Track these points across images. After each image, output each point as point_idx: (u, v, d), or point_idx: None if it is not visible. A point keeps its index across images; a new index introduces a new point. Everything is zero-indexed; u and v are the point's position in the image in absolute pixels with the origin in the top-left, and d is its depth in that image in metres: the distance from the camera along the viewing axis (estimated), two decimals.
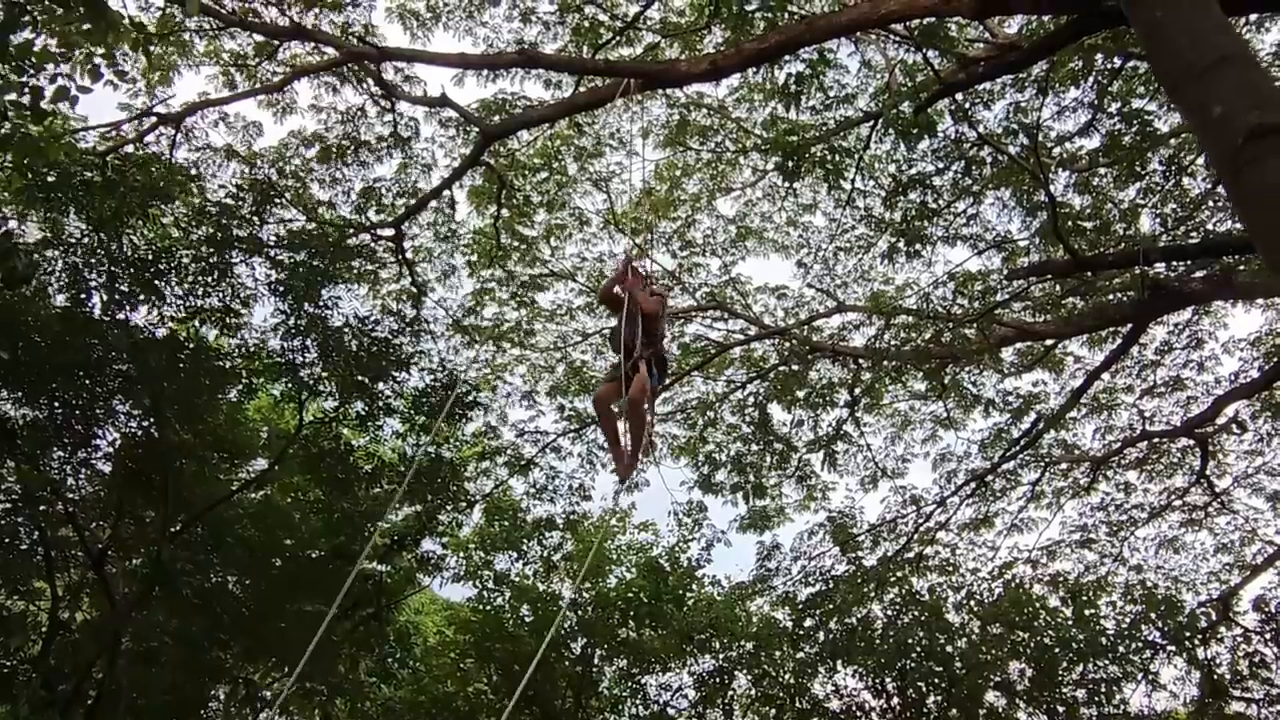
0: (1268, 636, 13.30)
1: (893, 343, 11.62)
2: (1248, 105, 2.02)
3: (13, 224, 9.66)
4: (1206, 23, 2.24)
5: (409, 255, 13.05)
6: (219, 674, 13.72)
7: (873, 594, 14.83)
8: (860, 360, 12.60)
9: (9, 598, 12.34)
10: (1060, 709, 14.29)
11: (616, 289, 6.99)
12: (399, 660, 15.09)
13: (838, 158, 10.79)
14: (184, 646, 12.04)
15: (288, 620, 12.65)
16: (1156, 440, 13.75)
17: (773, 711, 15.69)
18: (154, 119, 10.28)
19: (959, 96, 9.10)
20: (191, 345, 10.68)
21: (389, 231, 12.50)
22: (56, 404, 10.27)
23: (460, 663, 16.50)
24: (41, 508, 11.07)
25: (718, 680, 15.61)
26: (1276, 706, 13.19)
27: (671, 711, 15.95)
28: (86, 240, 9.91)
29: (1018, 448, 13.49)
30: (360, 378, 11.08)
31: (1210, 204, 10.50)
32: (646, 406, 6.46)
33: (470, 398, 12.16)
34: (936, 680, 14.57)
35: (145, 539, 12.04)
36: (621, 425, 6.61)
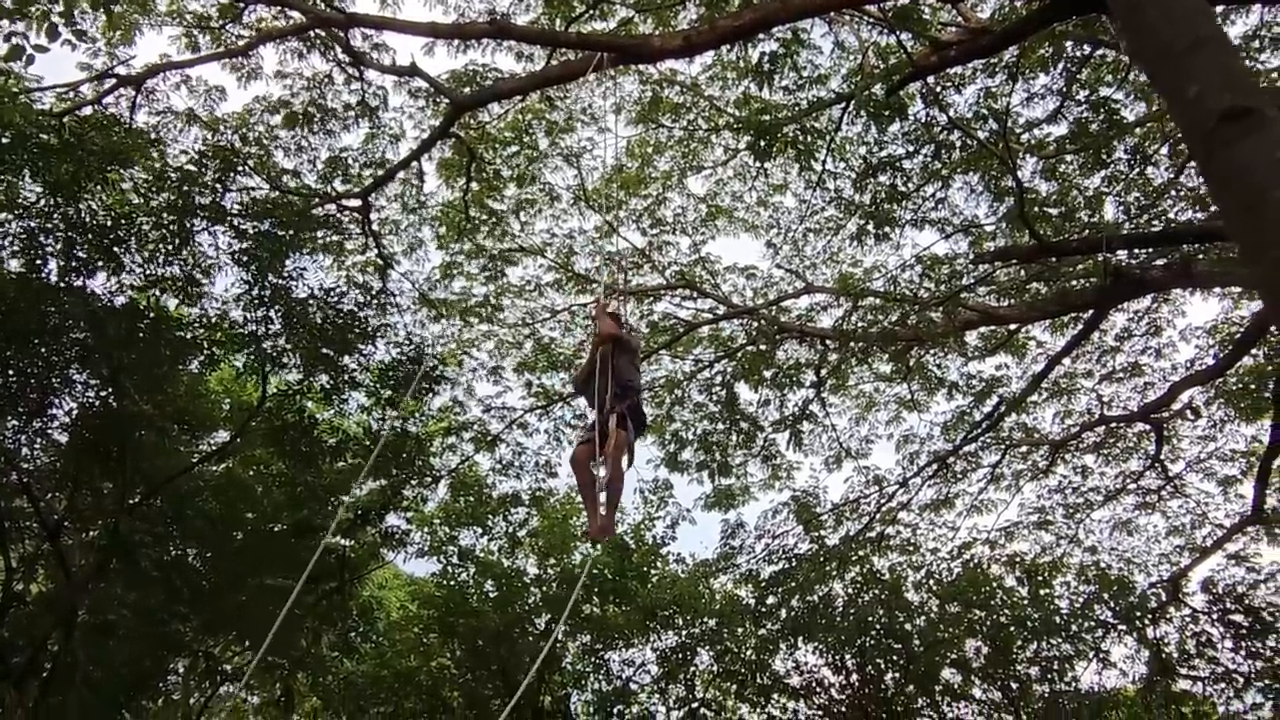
0: (1215, 617, 13.66)
1: (860, 324, 11.71)
2: (1222, 87, 2.05)
3: None
4: (1185, 5, 2.27)
5: (376, 227, 12.88)
6: (178, 647, 13.58)
7: (834, 572, 15.04)
8: (827, 341, 12.68)
9: None
10: (1014, 685, 14.63)
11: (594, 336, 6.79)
12: (362, 635, 15.03)
13: (809, 138, 10.82)
14: (142, 619, 11.88)
15: (249, 594, 12.54)
16: (1114, 425, 14.03)
17: (734, 687, 15.89)
18: (114, 80, 9.98)
19: (930, 80, 9.13)
20: (151, 315, 10.44)
21: (355, 202, 12.30)
22: (11, 372, 10.01)
23: (424, 637, 16.50)
24: None
25: (680, 656, 15.77)
26: (1221, 684, 13.57)
27: (634, 686, 16.10)
28: (42, 204, 9.64)
29: (979, 430, 13.71)
30: (325, 350, 10.93)
31: (1172, 193, 10.67)
32: (625, 465, 6.28)
33: (437, 372, 12.05)
34: (895, 657, 14.84)
35: (103, 511, 11.83)
36: (600, 473, 6.35)
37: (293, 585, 12.42)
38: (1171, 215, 10.71)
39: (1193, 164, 10.65)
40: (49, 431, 11.20)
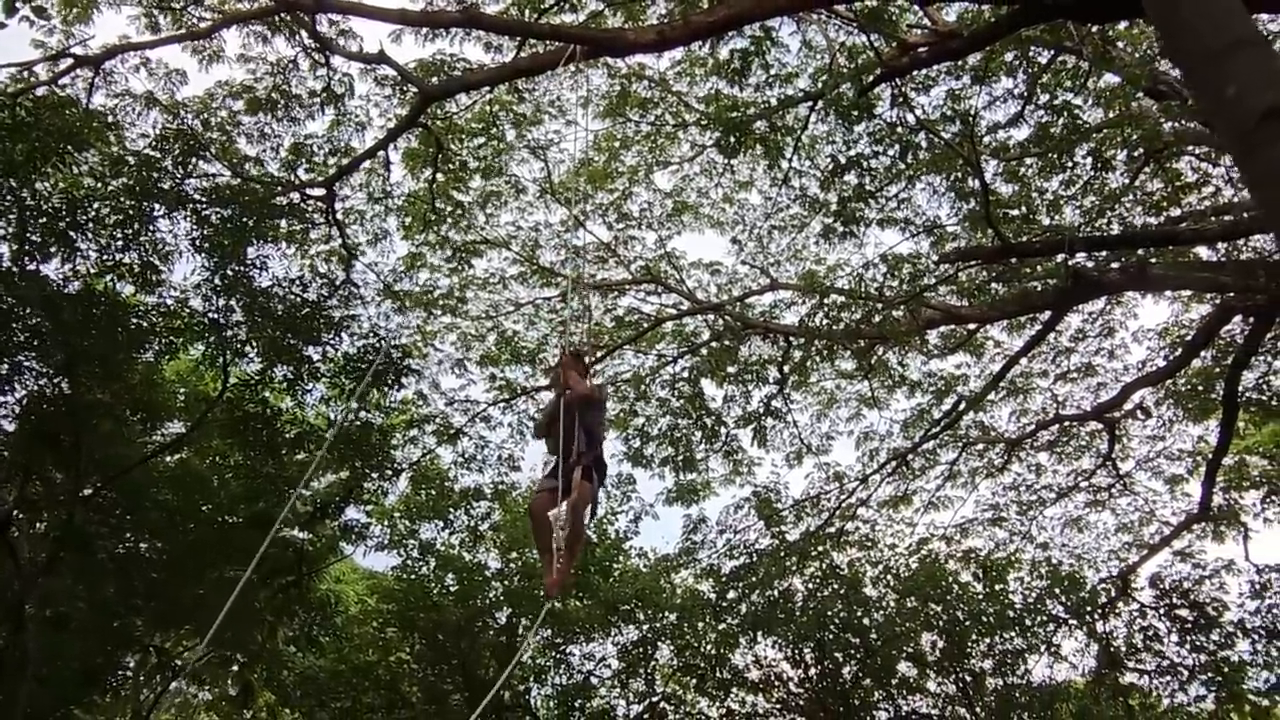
0: (1161, 612, 14.04)
1: (824, 322, 11.84)
2: (1263, 86, 2.11)
3: None
4: (1224, 7, 2.35)
5: (340, 217, 12.72)
6: (130, 642, 13.29)
7: (794, 568, 15.19)
8: (791, 338, 12.80)
9: None
10: (968, 678, 14.90)
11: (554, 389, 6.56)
12: (320, 629, 14.86)
13: (778, 135, 10.92)
14: (95, 613, 11.62)
15: (206, 587, 12.32)
16: (1068, 424, 14.36)
17: (694, 681, 15.97)
18: (70, 60, 9.72)
19: (897, 81, 9.27)
20: (107, 301, 10.20)
21: (319, 191, 12.14)
22: None
23: (383, 631, 16.35)
24: None
25: (641, 650, 15.81)
26: (1166, 677, 13.96)
27: (594, 681, 16.12)
28: None
29: (938, 428, 13.93)
30: (288, 340, 10.77)
31: (1129, 198, 10.95)
32: (588, 517, 6.13)
33: (403, 363, 11.93)
34: (853, 651, 15.03)
35: (55, 501, 11.54)
36: (559, 525, 6.16)
37: (251, 578, 12.27)
38: (1128, 219, 10.99)
39: (1147, 170, 10.97)
40: None
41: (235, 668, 15.76)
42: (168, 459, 13.00)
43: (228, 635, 13.92)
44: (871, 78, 8.14)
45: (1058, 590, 14.49)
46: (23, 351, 10.05)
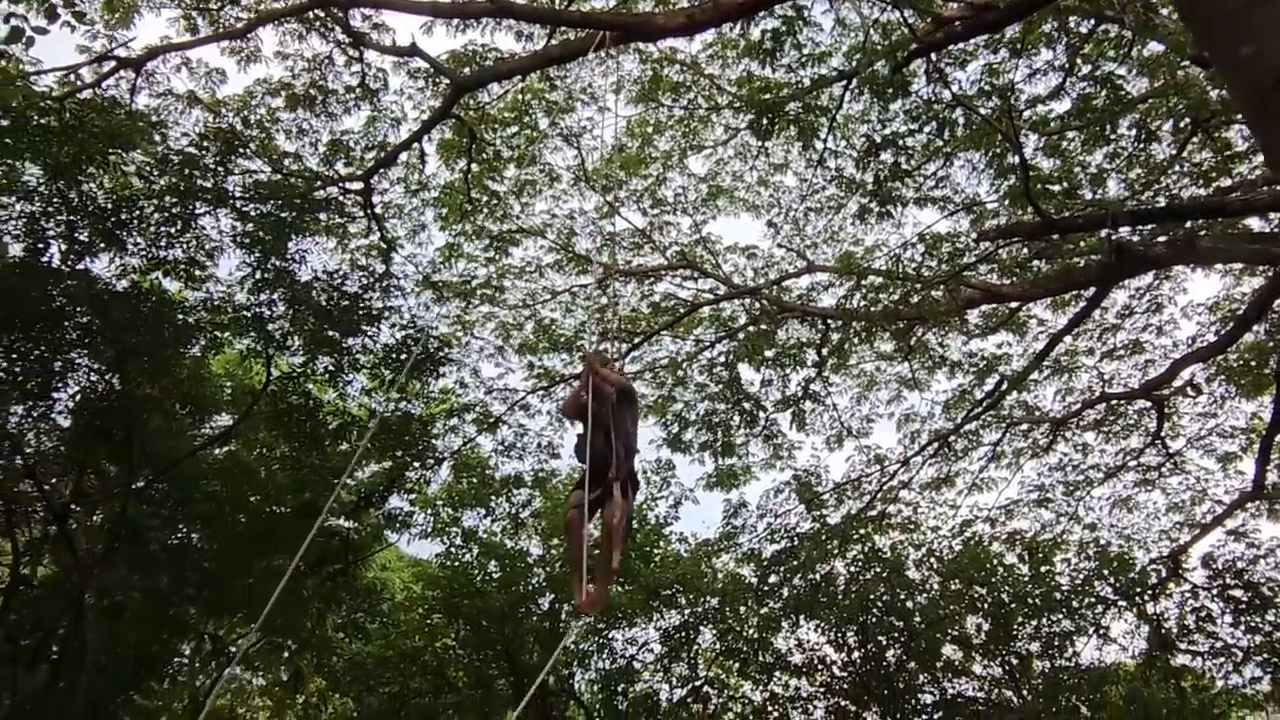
0: (1214, 592, 13.75)
1: (861, 303, 11.72)
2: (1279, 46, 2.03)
3: None
4: None
5: (378, 210, 12.87)
6: (185, 630, 13.65)
7: (836, 551, 15.10)
8: (829, 321, 12.70)
9: None
10: (1015, 661, 14.73)
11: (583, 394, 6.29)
12: (367, 616, 15.14)
13: (811, 116, 10.79)
14: (149, 602, 11.95)
15: (255, 576, 12.60)
16: (1115, 402, 14.07)
17: (736, 665, 15.98)
18: (113, 63, 9.94)
19: (933, 56, 9.10)
20: (154, 298, 10.44)
21: (357, 185, 12.29)
22: (15, 356, 10.01)
23: (428, 618, 16.60)
24: (0, 461, 10.86)
25: (683, 635, 15.85)
26: (1220, 659, 13.68)
27: (637, 665, 16.20)
28: (44, 188, 9.61)
29: (980, 409, 13.74)
30: (329, 332, 10.93)
31: (1176, 169, 10.66)
32: (623, 534, 5.92)
33: (440, 354, 12.05)
34: (896, 634, 14.92)
35: (109, 494, 11.87)
36: (596, 534, 6.02)
37: (299, 567, 12.52)
38: (1175, 191, 10.70)
39: (1195, 139, 10.66)
40: (54, 415, 11.22)
41: (286, 654, 16.12)
42: (216, 452, 13.29)
43: (279, 622, 14.25)
44: (906, 54, 8.01)
45: (1106, 571, 14.24)
46: (74, 349, 10.32)
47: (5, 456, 11.05)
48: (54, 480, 11.84)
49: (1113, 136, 9.94)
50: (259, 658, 17.48)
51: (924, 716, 15.13)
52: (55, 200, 9.55)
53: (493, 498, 15.63)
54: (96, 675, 10.92)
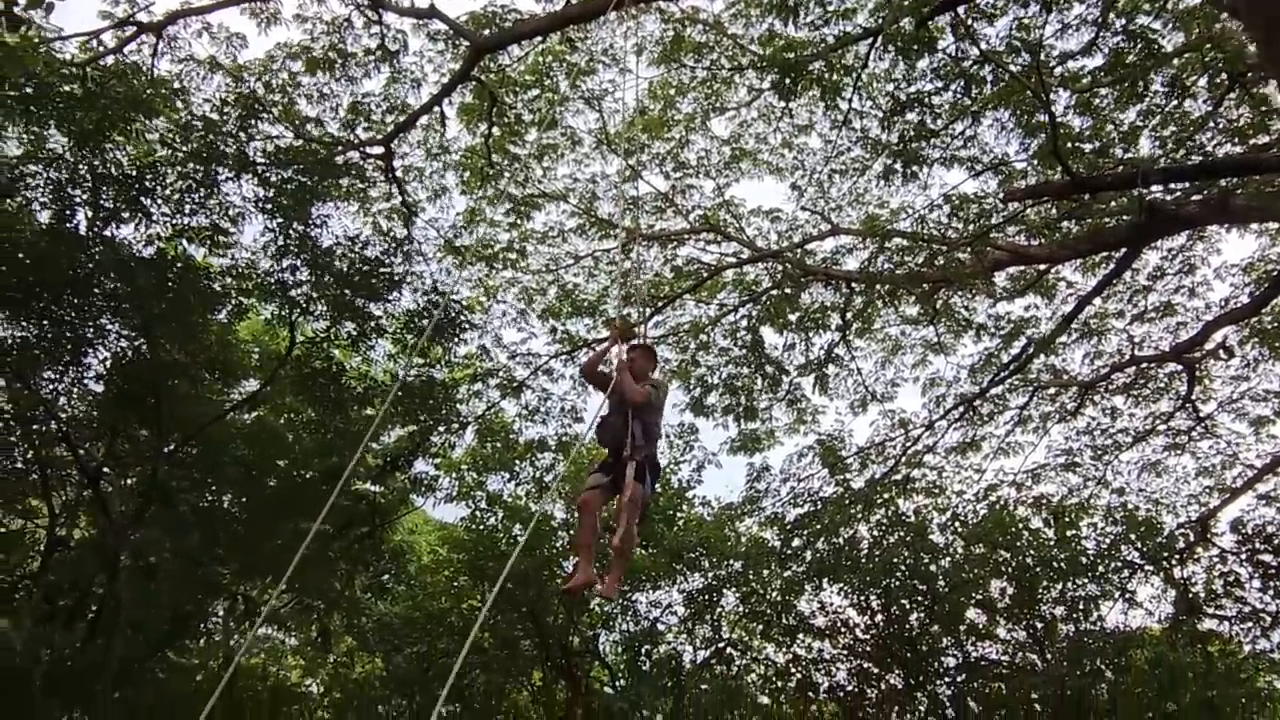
0: (1243, 557, 13.62)
1: (886, 266, 11.58)
2: None
3: None
4: None
5: (398, 174, 12.88)
6: (217, 590, 13.95)
7: (859, 515, 15.09)
8: (853, 284, 12.57)
9: (6, 515, 12.47)
10: (1039, 625, 14.71)
11: (602, 366, 6.26)
12: (394, 578, 15.38)
13: (836, 75, 10.60)
14: (182, 563, 12.21)
15: (284, 538, 12.81)
16: (1144, 365, 13.87)
17: (759, 627, 16.08)
18: (134, 28, 9.96)
19: (960, 11, 8.89)
20: (180, 264, 10.54)
21: (378, 149, 12.30)
22: (45, 322, 10.17)
23: (454, 580, 16.81)
24: (35, 426, 11.07)
25: (706, 597, 15.95)
26: (1248, 624, 13.58)
27: (661, 627, 16.36)
28: (68, 155, 9.68)
29: (1007, 372, 13.60)
30: (353, 297, 11.00)
31: (1211, 126, 10.38)
32: (637, 520, 5.80)
33: (462, 318, 12.10)
34: (920, 598, 14.94)
35: (140, 457, 12.10)
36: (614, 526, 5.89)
37: (326, 530, 12.73)
38: (1209, 149, 10.43)
39: (1231, 96, 10.36)
40: (85, 381, 11.42)
41: (316, 615, 16.44)
42: (244, 416, 13.47)
43: (308, 583, 14.52)
44: (931, 9, 7.82)
45: (1133, 536, 14.13)
46: (103, 315, 10.46)
47: (40, 421, 11.27)
48: (87, 444, 12.08)
49: (1146, 93, 9.66)
50: (291, 618, 17.84)
51: (946, 679, 15.19)
52: (80, 167, 9.62)
53: (517, 462, 15.72)
54: (132, 634, 11.20)
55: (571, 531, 15.91)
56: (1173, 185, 9.47)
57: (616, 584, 5.95)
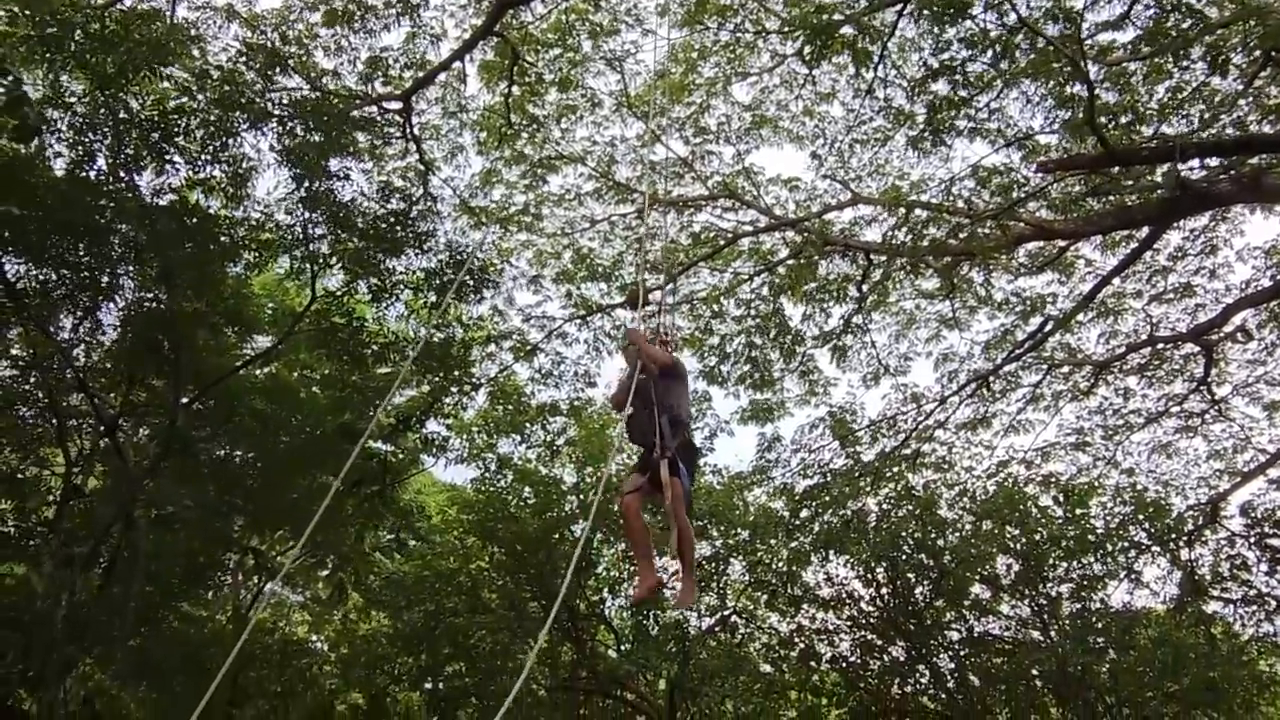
0: (1251, 541, 13.62)
1: (908, 238, 11.48)
2: None
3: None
4: None
5: (416, 131, 12.76)
6: (230, 543, 14.05)
7: (869, 488, 15.11)
8: (872, 255, 12.48)
9: (22, 463, 12.51)
10: (1043, 602, 14.77)
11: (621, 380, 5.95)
12: (405, 535, 15.47)
13: (864, 43, 10.45)
14: (196, 514, 12.28)
15: (297, 492, 12.86)
16: (1161, 346, 13.79)
17: (765, 597, 16.18)
18: None
19: None
20: (198, 215, 10.47)
21: (397, 105, 12.18)
22: (64, 269, 10.13)
23: (463, 541, 16.91)
24: (52, 374, 11.08)
25: (713, 565, 16.03)
26: (1253, 607, 13.61)
27: (667, 593, 16.42)
28: (88, 100, 9.59)
29: (1022, 350, 13.53)
30: (371, 250, 10.94)
31: (1244, 103, 10.23)
32: (683, 515, 5.50)
33: (484, 277, 12.06)
34: (926, 572, 15.00)
35: (156, 408, 12.12)
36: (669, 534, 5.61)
37: (339, 487, 12.75)
38: (1245, 125, 10.28)
39: (1265, 72, 10.18)
40: (103, 329, 11.40)
41: (325, 571, 16.56)
42: (259, 371, 13.47)
43: (319, 539, 14.60)
44: None
45: (1141, 516, 14.15)
46: (121, 263, 10.42)
47: (57, 369, 11.27)
48: (103, 393, 12.09)
49: (1182, 65, 9.50)
50: (299, 574, 17.99)
51: (950, 652, 15.29)
52: (100, 112, 9.53)
53: (528, 425, 15.74)
54: (146, 582, 11.28)
55: (583, 496, 16.00)
56: (1206, 160, 9.33)
57: (691, 589, 5.69)
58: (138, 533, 10.84)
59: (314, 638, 19.47)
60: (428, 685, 17.36)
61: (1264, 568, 13.50)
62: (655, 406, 5.57)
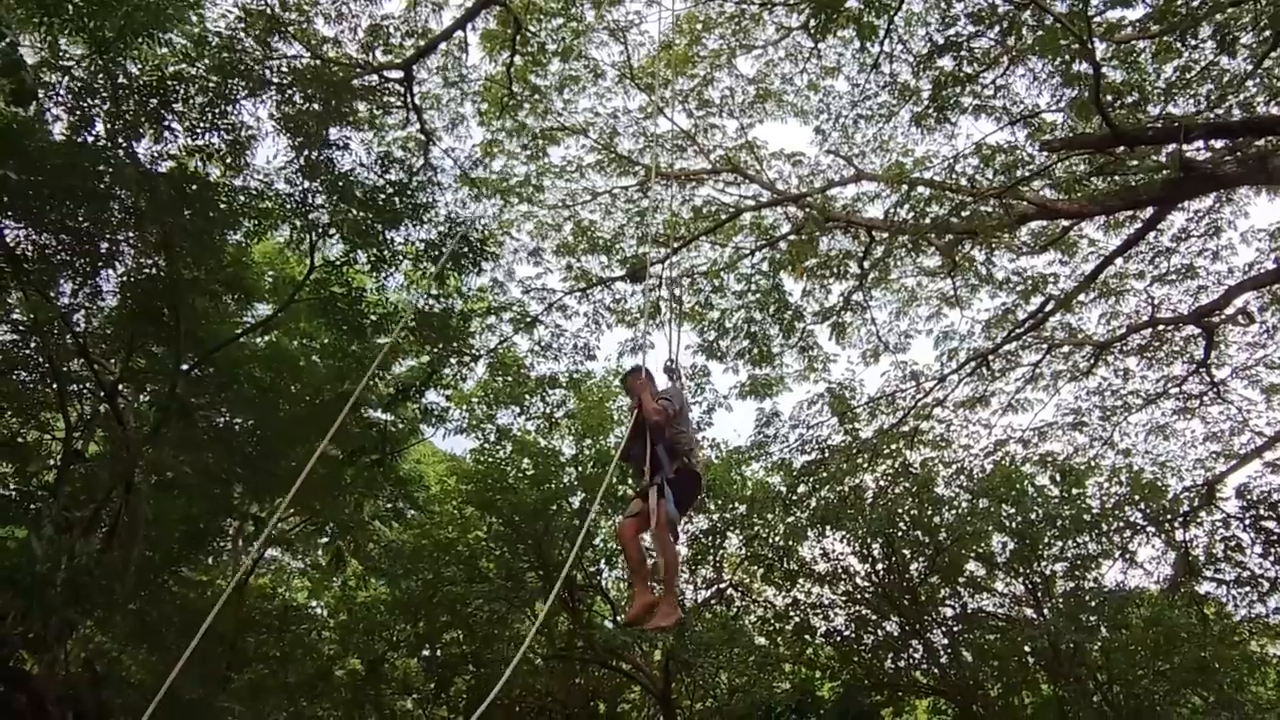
0: (1246, 523, 13.68)
1: (911, 215, 11.42)
2: None
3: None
4: None
5: (417, 101, 12.66)
6: (230, 510, 14.14)
7: (866, 465, 15.17)
8: (874, 232, 12.43)
9: (23, 427, 12.57)
10: (1038, 580, 14.89)
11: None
12: (404, 503, 15.57)
13: (870, 17, 10.33)
14: (196, 480, 12.35)
15: (297, 460, 12.91)
16: (1162, 327, 13.76)
17: (761, 571, 16.31)
18: None
19: None
20: (197, 182, 10.43)
21: (397, 74, 12.08)
22: (63, 234, 10.12)
23: (461, 511, 17.03)
24: (52, 339, 11.10)
25: (710, 539, 16.15)
26: (1246, 588, 13.71)
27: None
28: (87, 64, 9.52)
29: (1023, 329, 13.50)
30: (370, 221, 10.90)
31: (1251, 84, 10.13)
32: (671, 540, 5.78)
33: (483, 247, 12.03)
34: (921, 548, 15.12)
35: (157, 374, 12.15)
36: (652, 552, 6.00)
37: (338, 455, 12.83)
38: (1252, 107, 10.19)
39: (1275, 54, 10.07)
40: (102, 295, 11.40)
41: (325, 539, 16.68)
42: (259, 340, 13.48)
43: (318, 507, 14.69)
44: None
45: (1137, 497, 14.22)
46: (121, 229, 10.40)
47: (57, 334, 11.29)
48: (103, 359, 12.12)
49: (1190, 44, 9.39)
50: (299, 540, 18.12)
51: (944, 628, 15.45)
52: (99, 77, 9.46)
53: (527, 396, 15.78)
54: (147, 547, 11.36)
55: (582, 468, 16.08)
56: (1212, 141, 9.26)
57: (671, 612, 5.76)
58: (138, 498, 10.91)
59: (313, 604, 19.66)
60: (425, 652, 17.58)
61: (1258, 549, 13.58)
62: (648, 437, 5.89)
